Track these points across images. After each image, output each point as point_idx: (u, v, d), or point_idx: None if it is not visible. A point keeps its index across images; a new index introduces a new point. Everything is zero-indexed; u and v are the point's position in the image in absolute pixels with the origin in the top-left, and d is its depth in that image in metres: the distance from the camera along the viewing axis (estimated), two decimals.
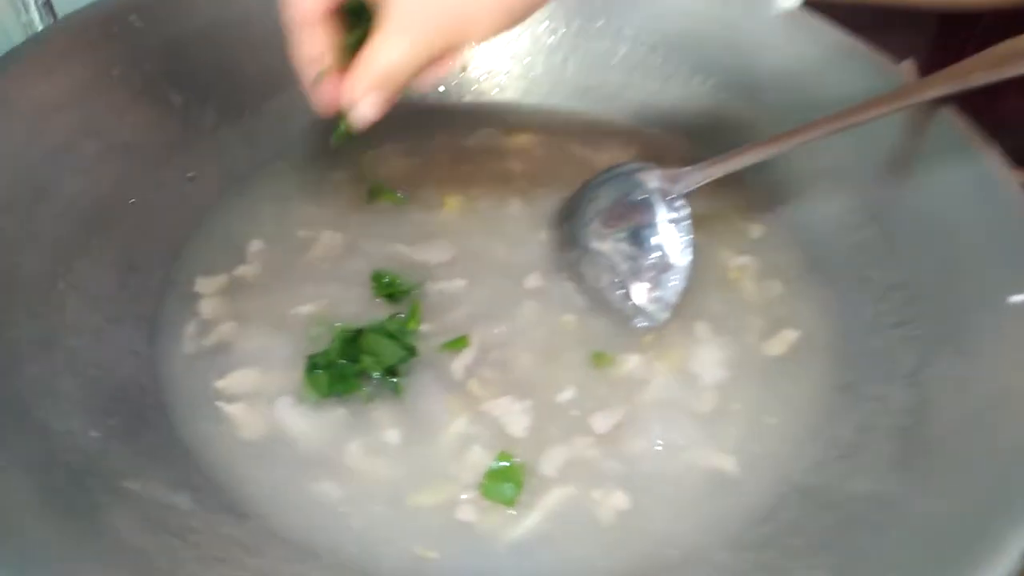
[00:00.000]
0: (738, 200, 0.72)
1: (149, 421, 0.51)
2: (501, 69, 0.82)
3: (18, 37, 0.75)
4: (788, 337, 0.61)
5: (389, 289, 0.61)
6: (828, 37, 0.74)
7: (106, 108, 0.65)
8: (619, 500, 0.51)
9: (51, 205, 0.58)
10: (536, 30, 0.81)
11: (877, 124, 0.65)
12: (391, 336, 0.56)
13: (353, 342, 0.56)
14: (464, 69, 0.82)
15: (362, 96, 0.51)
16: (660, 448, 0.54)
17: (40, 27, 0.77)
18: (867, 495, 0.49)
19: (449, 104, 0.81)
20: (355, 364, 0.55)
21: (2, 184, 0.56)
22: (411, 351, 0.56)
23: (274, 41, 0.75)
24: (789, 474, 0.52)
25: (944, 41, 0.92)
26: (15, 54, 0.61)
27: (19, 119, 0.59)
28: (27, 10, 0.77)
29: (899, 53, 0.72)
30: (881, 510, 0.47)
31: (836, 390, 0.58)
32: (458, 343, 0.58)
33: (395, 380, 0.55)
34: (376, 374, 0.55)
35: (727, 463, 0.53)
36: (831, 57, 0.73)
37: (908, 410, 0.53)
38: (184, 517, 0.45)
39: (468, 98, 0.82)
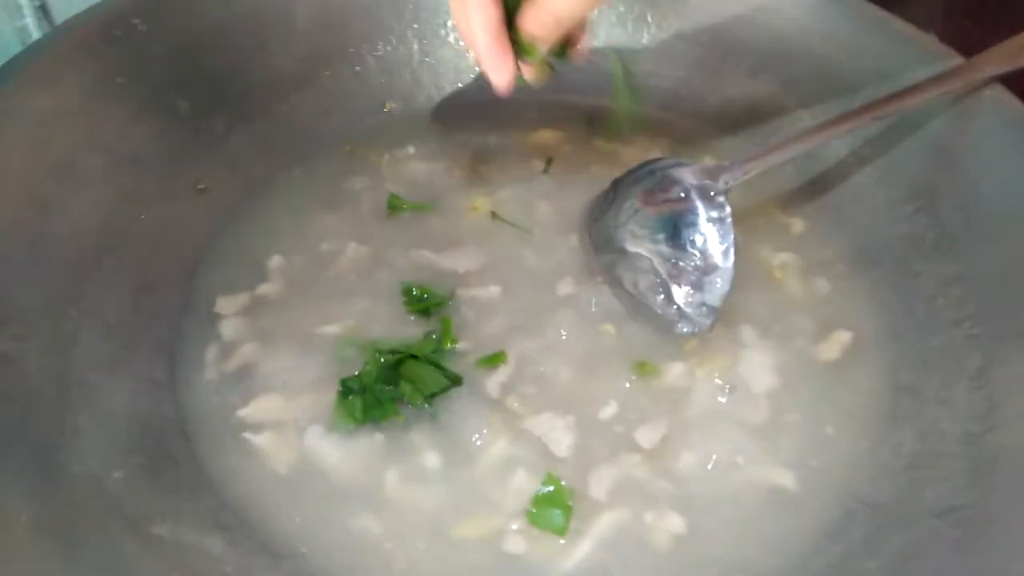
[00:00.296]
0: (776, 193, 0.69)
1: (173, 456, 0.48)
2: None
3: (13, 45, 0.72)
4: (841, 339, 0.58)
5: (422, 304, 0.58)
6: (864, 14, 0.71)
7: (111, 119, 0.61)
8: (674, 523, 0.48)
9: (58, 225, 0.55)
10: None
11: (923, 109, 0.62)
12: (431, 362, 0.53)
13: (390, 366, 0.53)
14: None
15: (542, 34, 0.53)
16: (712, 464, 0.51)
17: (36, 33, 0.74)
18: (942, 510, 0.45)
19: (468, 102, 0.77)
20: (392, 388, 0.52)
21: (5, 204, 0.52)
22: (456, 380, 0.53)
23: (285, 40, 0.73)
24: (853, 488, 0.49)
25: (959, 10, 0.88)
26: (13, 65, 0.58)
27: (21, 134, 0.56)
28: (21, 15, 0.73)
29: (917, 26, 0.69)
30: (958, 527, 0.44)
31: (896, 394, 0.55)
32: (495, 359, 0.55)
33: (429, 404, 0.52)
34: (417, 403, 0.52)
35: (786, 479, 0.50)
36: (868, 36, 0.70)
37: (977, 414, 0.50)
38: (216, 564, 0.42)
39: (487, 93, 0.78)
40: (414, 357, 0.54)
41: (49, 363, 0.48)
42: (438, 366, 0.52)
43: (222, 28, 0.68)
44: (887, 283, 0.61)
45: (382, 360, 0.53)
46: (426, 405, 0.52)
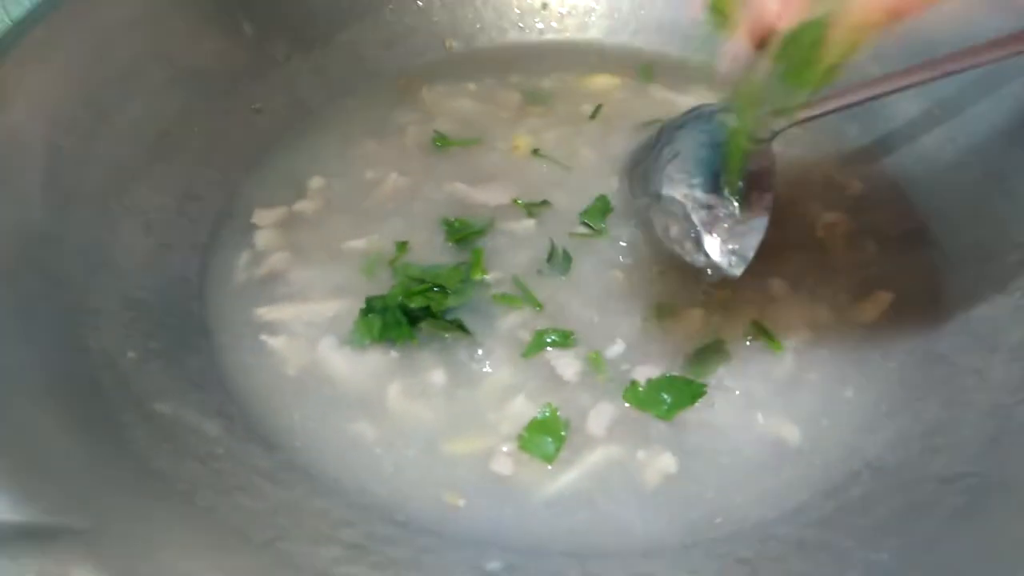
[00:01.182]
0: (837, 152, 0.65)
1: (190, 347, 0.51)
2: (585, 6, 0.77)
3: None
4: (881, 300, 0.55)
5: (460, 234, 0.58)
6: None
7: (177, 33, 0.64)
8: (666, 462, 0.47)
9: (113, 127, 0.57)
10: None
11: (1000, 67, 0.58)
12: (458, 289, 0.54)
13: (418, 292, 0.53)
14: (545, 6, 0.77)
15: None
16: (716, 410, 0.49)
17: None
18: (949, 477, 0.43)
19: (526, 43, 0.77)
20: (414, 313, 0.53)
21: (66, 104, 0.55)
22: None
23: None
24: (862, 449, 0.47)
25: None
26: None
27: (88, 39, 0.58)
28: None
29: None
30: (963, 494, 0.41)
31: (928, 361, 0.51)
32: (514, 300, 0.54)
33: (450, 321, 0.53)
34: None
35: (791, 433, 0.48)
36: None
37: (1009, 387, 0.47)
38: (210, 443, 0.44)
39: (549, 36, 0.78)
40: (442, 288, 0.54)
41: (86, 247, 0.51)
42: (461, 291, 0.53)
43: None
44: (939, 249, 0.58)
45: (409, 288, 0.54)
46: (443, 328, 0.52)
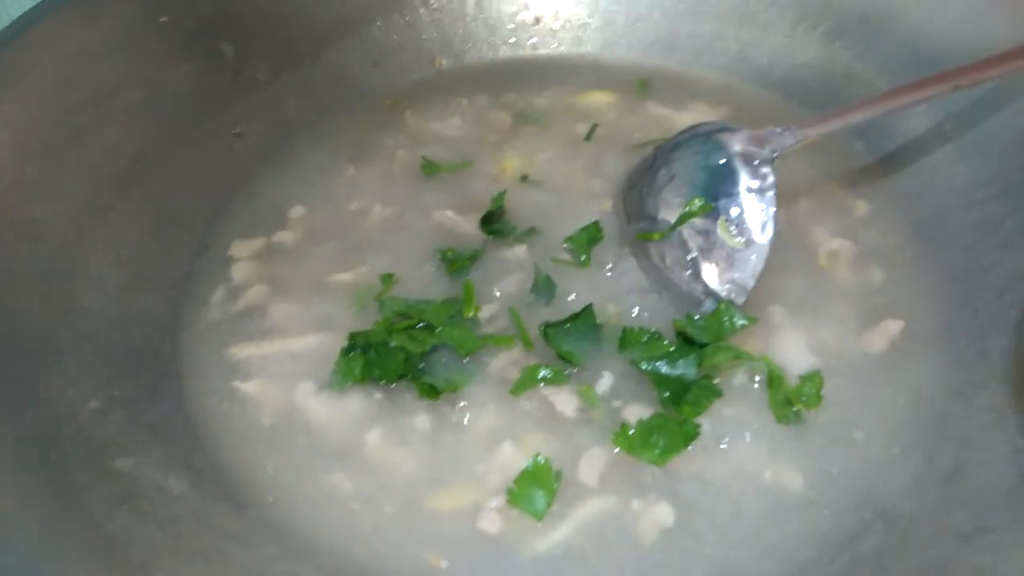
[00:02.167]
0: (842, 171, 0.62)
1: (158, 393, 0.48)
2: (579, 20, 0.74)
3: None
4: (890, 329, 0.52)
5: (455, 265, 0.55)
6: None
7: (152, 56, 0.62)
8: (663, 514, 0.44)
9: (86, 153, 0.55)
10: None
11: (1013, 80, 0.55)
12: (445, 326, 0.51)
13: (403, 328, 0.50)
14: (538, 20, 0.75)
15: None
16: (716, 455, 0.46)
17: None
18: (969, 533, 0.40)
19: (519, 58, 0.74)
20: (401, 350, 0.50)
21: (36, 129, 0.53)
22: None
23: None
24: (874, 497, 0.44)
25: None
26: None
27: (62, 61, 0.56)
28: None
29: None
30: (986, 553, 0.38)
31: (942, 397, 0.48)
32: (506, 341, 0.51)
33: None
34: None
35: (795, 480, 0.45)
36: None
37: None
38: (172, 504, 0.41)
39: (542, 51, 0.75)
40: (428, 325, 0.51)
41: (53, 284, 0.48)
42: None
43: None
44: (950, 275, 0.54)
45: (394, 323, 0.51)
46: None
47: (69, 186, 0.53)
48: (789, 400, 0.48)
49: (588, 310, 0.51)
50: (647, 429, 0.46)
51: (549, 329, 0.51)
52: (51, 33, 0.56)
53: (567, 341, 0.50)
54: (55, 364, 0.45)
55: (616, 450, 0.46)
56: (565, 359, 0.50)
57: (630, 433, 0.46)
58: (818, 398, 0.48)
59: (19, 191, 0.51)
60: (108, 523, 0.38)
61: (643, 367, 0.49)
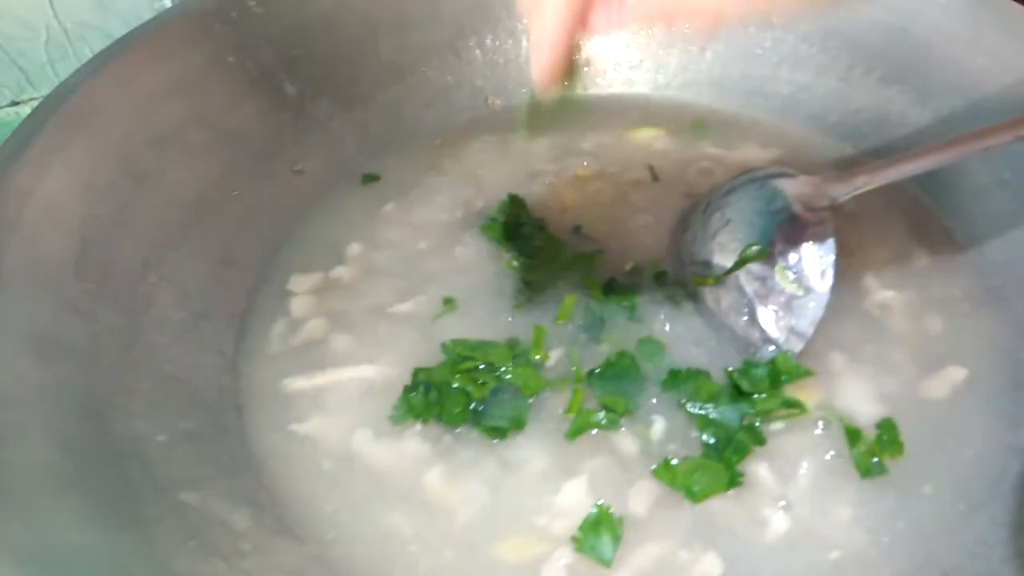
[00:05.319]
0: (900, 219, 0.62)
1: (222, 427, 0.49)
2: (630, 62, 0.75)
3: (147, 13, 0.75)
4: (952, 376, 0.51)
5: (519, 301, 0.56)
6: (1018, 20, 0.62)
7: (218, 96, 0.63)
8: (711, 565, 0.43)
9: (152, 193, 0.56)
10: None
11: None
12: (520, 376, 0.51)
13: (466, 368, 0.51)
14: (588, 64, 0.75)
15: None
16: (772, 509, 0.46)
17: (168, 4, 0.77)
18: None
19: (568, 101, 0.74)
20: (463, 393, 0.50)
21: (105, 169, 0.54)
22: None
23: (395, 29, 0.73)
24: (939, 557, 0.43)
25: None
26: (132, 37, 0.60)
27: (130, 103, 0.57)
28: None
29: None
30: None
31: (1008, 451, 0.47)
32: (565, 384, 0.51)
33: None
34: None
35: (857, 537, 0.44)
36: (1021, 45, 0.62)
37: None
38: (237, 539, 0.42)
39: (592, 91, 0.76)
40: (491, 365, 0.52)
41: (120, 322, 0.50)
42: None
43: (333, 14, 0.69)
44: (1015, 328, 0.53)
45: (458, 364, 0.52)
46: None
47: (135, 225, 0.55)
48: (872, 451, 0.47)
49: (625, 356, 0.52)
50: (690, 467, 0.46)
51: (593, 378, 0.51)
52: (117, 76, 0.58)
53: (610, 388, 0.51)
54: (124, 400, 0.46)
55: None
56: (609, 408, 0.50)
57: (672, 465, 0.47)
58: (899, 446, 0.47)
59: (86, 230, 0.52)
60: (176, 558, 0.39)
61: (690, 409, 0.49)
